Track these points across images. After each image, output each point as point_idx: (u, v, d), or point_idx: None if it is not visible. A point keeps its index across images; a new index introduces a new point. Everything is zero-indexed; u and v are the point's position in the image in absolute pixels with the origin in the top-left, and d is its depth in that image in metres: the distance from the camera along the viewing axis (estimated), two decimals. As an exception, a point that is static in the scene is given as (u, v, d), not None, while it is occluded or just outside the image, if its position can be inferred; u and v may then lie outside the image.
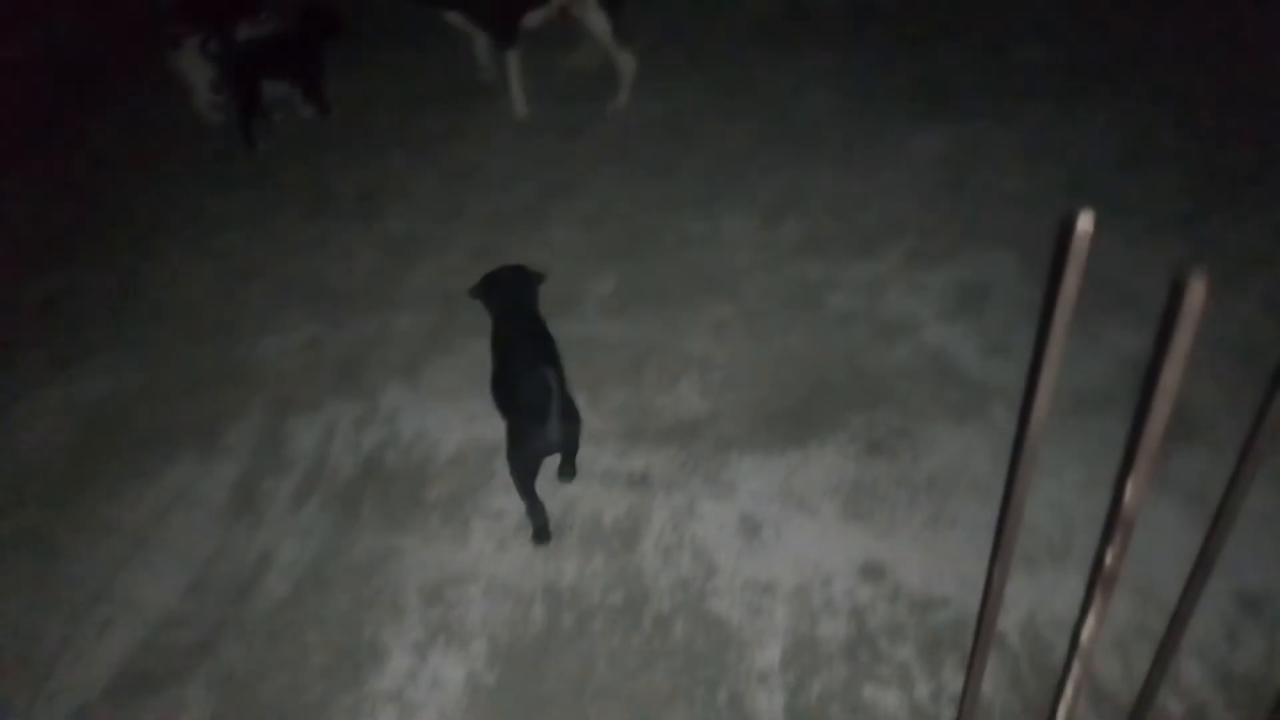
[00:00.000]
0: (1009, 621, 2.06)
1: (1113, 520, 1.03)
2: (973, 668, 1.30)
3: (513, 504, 2.46)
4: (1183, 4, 4.60)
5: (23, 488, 2.59)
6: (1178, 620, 1.29)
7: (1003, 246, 3.21)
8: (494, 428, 2.67)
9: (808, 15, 4.87)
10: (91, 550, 2.39)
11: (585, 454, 2.55)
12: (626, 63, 4.08)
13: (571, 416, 2.33)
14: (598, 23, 3.96)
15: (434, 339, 3.04)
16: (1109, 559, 1.05)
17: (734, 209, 3.54)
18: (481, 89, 4.39)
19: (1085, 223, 0.99)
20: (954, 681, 1.96)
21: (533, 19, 3.97)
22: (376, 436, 2.70)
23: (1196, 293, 0.92)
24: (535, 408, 2.19)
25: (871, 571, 2.20)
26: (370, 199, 3.75)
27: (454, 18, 3.99)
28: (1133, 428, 0.98)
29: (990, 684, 1.93)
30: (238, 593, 2.27)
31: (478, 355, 2.93)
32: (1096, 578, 1.08)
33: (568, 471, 2.51)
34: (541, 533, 2.36)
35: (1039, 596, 2.10)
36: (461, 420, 2.73)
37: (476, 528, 2.41)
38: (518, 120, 4.16)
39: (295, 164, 4.01)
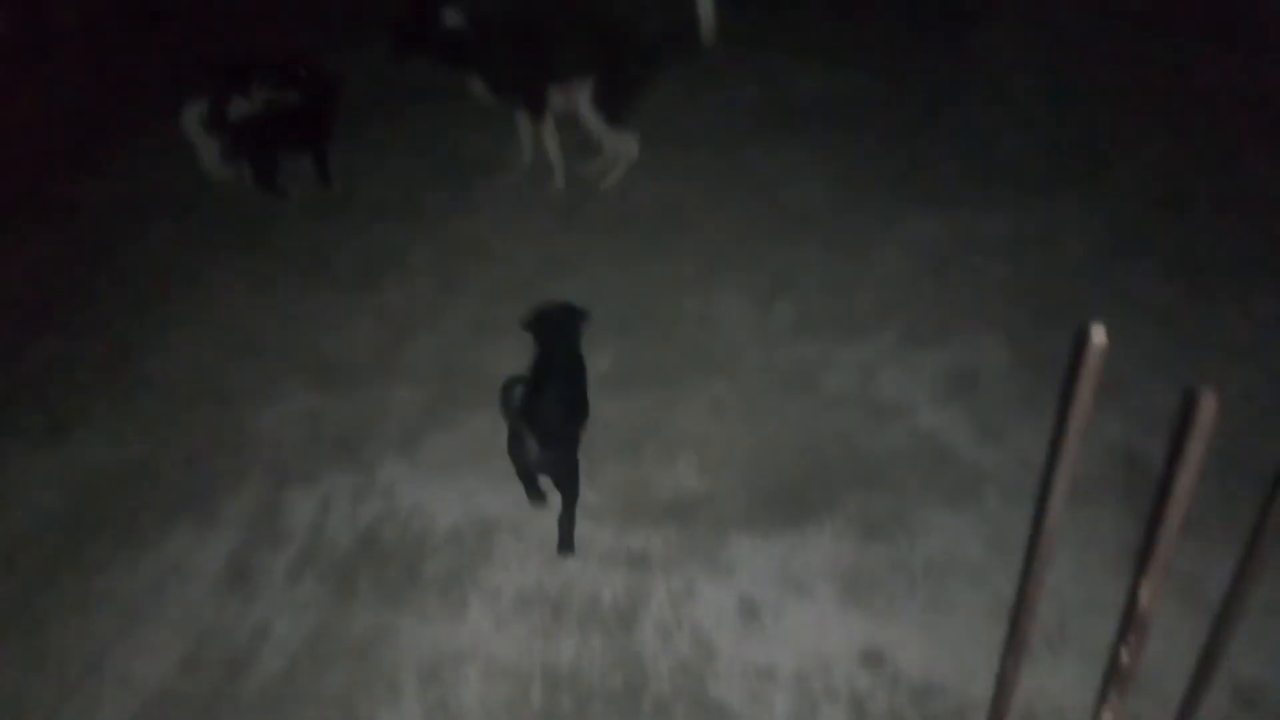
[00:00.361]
0: (1008, 710, 2.07)
1: (1129, 620, 1.07)
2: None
3: (510, 581, 2.46)
4: (1156, 97, 4.80)
5: (15, 556, 2.57)
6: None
7: (991, 332, 3.29)
8: (491, 503, 2.69)
9: (794, 104, 5.01)
10: (83, 622, 2.36)
11: (583, 531, 2.57)
12: (628, 148, 4.19)
13: (556, 445, 2.52)
14: (591, 116, 4.07)
15: (432, 412, 3.06)
16: (1125, 658, 1.08)
17: (728, 289, 3.61)
18: (481, 164, 4.47)
19: (1099, 336, 1.04)
20: (955, 772, 1.96)
21: (557, 96, 4.07)
22: (374, 510, 2.70)
23: (1208, 408, 0.97)
24: (520, 427, 2.45)
25: (871, 658, 2.21)
26: (369, 270, 3.79)
27: (476, 86, 4.10)
28: (1147, 531, 1.01)
29: (991, 775, 1.94)
30: (232, 669, 2.24)
31: (476, 429, 2.96)
32: (1112, 676, 1.11)
33: (566, 543, 2.53)
34: (534, 495, 2.63)
35: (1036, 685, 2.11)
36: (459, 495, 2.74)
37: (474, 605, 2.40)
38: (557, 187, 4.24)
39: (294, 234, 4.06)
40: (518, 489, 2.68)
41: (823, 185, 4.28)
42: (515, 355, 3.24)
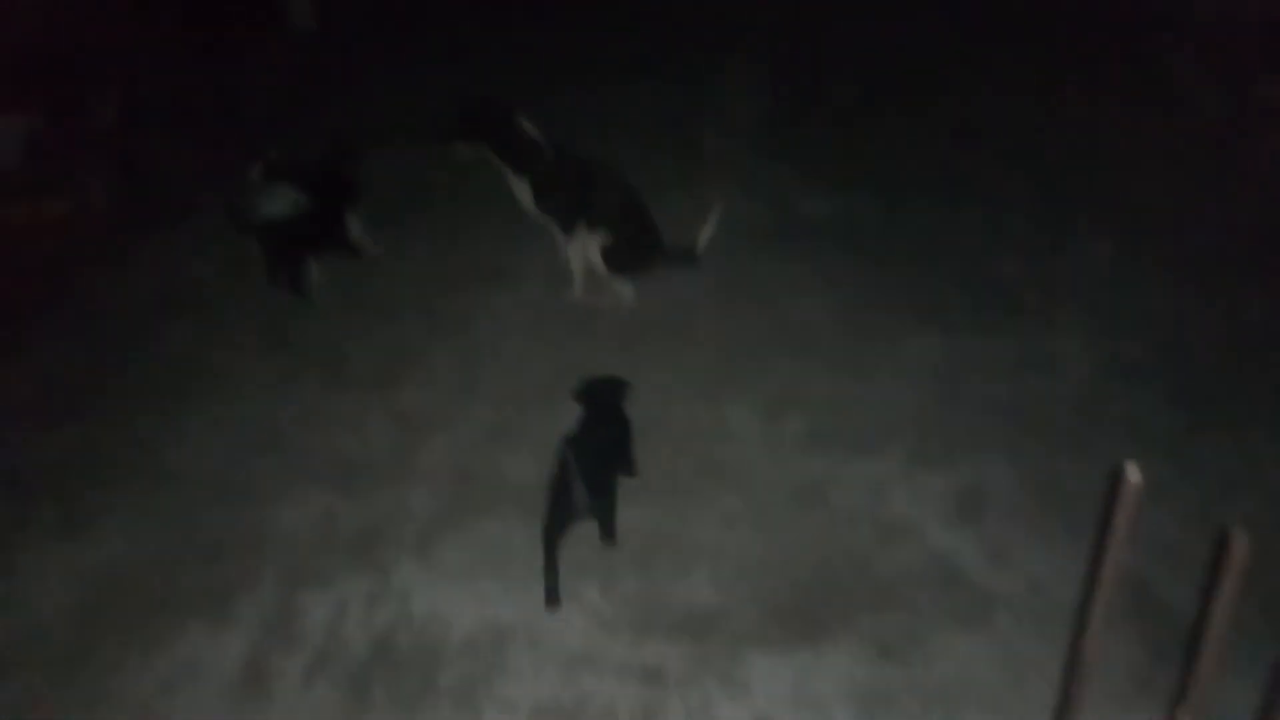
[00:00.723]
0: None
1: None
2: None
3: (526, 694, 2.46)
4: (1155, 230, 5.00)
5: (24, 652, 2.55)
6: None
7: (996, 454, 3.36)
8: (507, 611, 2.70)
9: (799, 223, 5.20)
10: (94, 723, 2.34)
11: (598, 642, 2.58)
12: (623, 292, 4.36)
13: (603, 493, 2.84)
14: (595, 259, 4.27)
15: (447, 516, 3.09)
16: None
17: (738, 403, 3.69)
18: (498, 270, 4.61)
19: (1134, 474, 1.12)
20: None
21: (581, 227, 4.30)
22: (388, 615, 2.71)
23: (1240, 548, 1.04)
24: (572, 474, 2.69)
25: (890, 784, 2.21)
26: (388, 372, 3.87)
27: (523, 192, 4.30)
28: (1183, 666, 1.06)
29: None
30: (244, 777, 2.22)
31: (491, 535, 3.00)
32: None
33: (608, 537, 2.91)
34: (552, 594, 2.71)
35: (1056, 816, 2.11)
36: (474, 602, 2.75)
37: (489, 718, 2.39)
38: (575, 299, 4.38)
39: (314, 334, 4.14)
40: (533, 597, 2.71)
41: (827, 302, 4.41)
42: (532, 462, 3.31)
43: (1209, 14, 7.54)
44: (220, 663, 2.52)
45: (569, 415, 3.58)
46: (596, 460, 2.82)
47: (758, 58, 7.68)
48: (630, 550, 2.93)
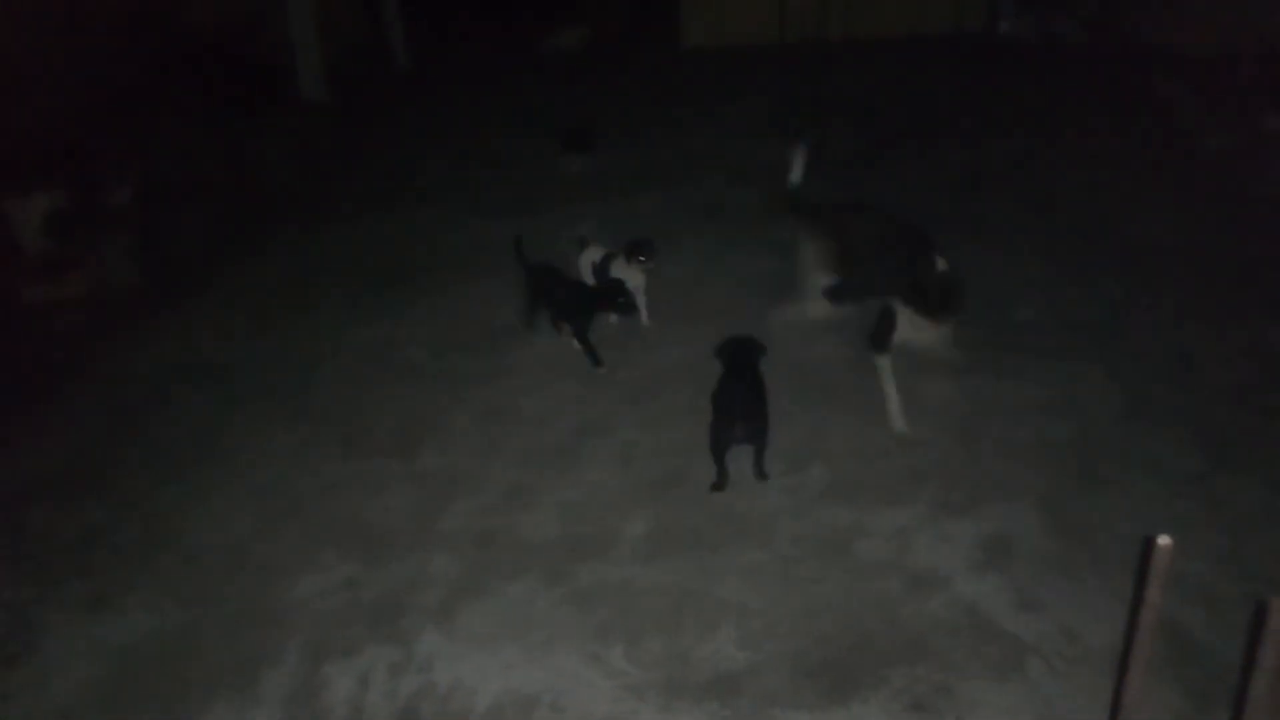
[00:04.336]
0: None
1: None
2: None
3: (554, 762, 2.42)
4: (1162, 260, 4.99)
5: (52, 735, 2.54)
6: None
7: (1022, 499, 3.32)
8: (531, 677, 2.68)
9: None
10: (120, 807, 2.32)
11: (626, 708, 2.54)
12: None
13: (753, 419, 3.41)
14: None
15: (469, 581, 3.07)
16: None
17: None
18: (512, 331, 4.64)
19: (1164, 540, 1.10)
20: None
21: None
22: (413, 685, 2.68)
23: (1277, 614, 1.02)
24: (725, 409, 3.42)
25: (930, 847, 2.15)
26: (408, 436, 3.88)
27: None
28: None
29: None
30: None
31: (513, 598, 2.98)
32: None
33: (761, 473, 3.48)
34: (720, 486, 3.45)
35: None
36: (498, 669, 2.72)
37: (517, 788, 2.36)
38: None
39: (335, 402, 4.17)
40: (557, 661, 2.68)
41: (844, 351, 4.39)
42: (552, 521, 3.30)
43: (1209, 50, 7.61)
44: (246, 741, 2.50)
45: (590, 472, 3.60)
46: (746, 395, 3.45)
47: (767, 106, 7.80)
48: (656, 609, 2.90)
